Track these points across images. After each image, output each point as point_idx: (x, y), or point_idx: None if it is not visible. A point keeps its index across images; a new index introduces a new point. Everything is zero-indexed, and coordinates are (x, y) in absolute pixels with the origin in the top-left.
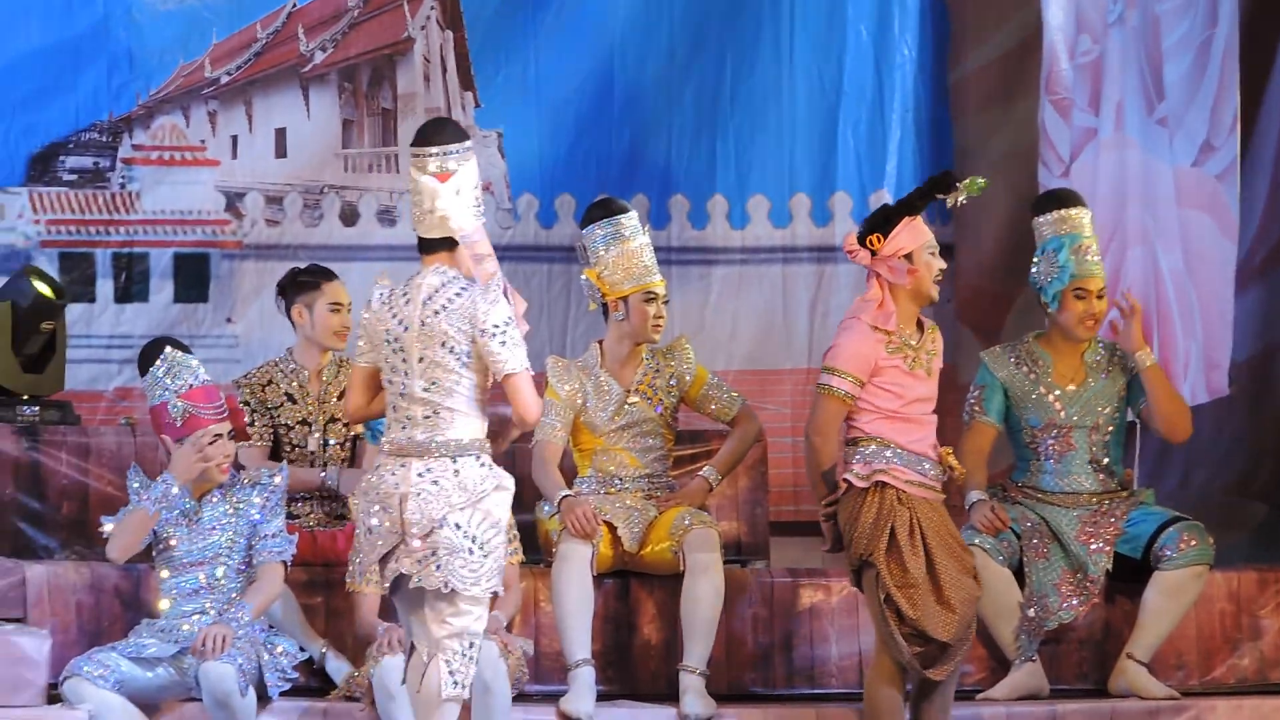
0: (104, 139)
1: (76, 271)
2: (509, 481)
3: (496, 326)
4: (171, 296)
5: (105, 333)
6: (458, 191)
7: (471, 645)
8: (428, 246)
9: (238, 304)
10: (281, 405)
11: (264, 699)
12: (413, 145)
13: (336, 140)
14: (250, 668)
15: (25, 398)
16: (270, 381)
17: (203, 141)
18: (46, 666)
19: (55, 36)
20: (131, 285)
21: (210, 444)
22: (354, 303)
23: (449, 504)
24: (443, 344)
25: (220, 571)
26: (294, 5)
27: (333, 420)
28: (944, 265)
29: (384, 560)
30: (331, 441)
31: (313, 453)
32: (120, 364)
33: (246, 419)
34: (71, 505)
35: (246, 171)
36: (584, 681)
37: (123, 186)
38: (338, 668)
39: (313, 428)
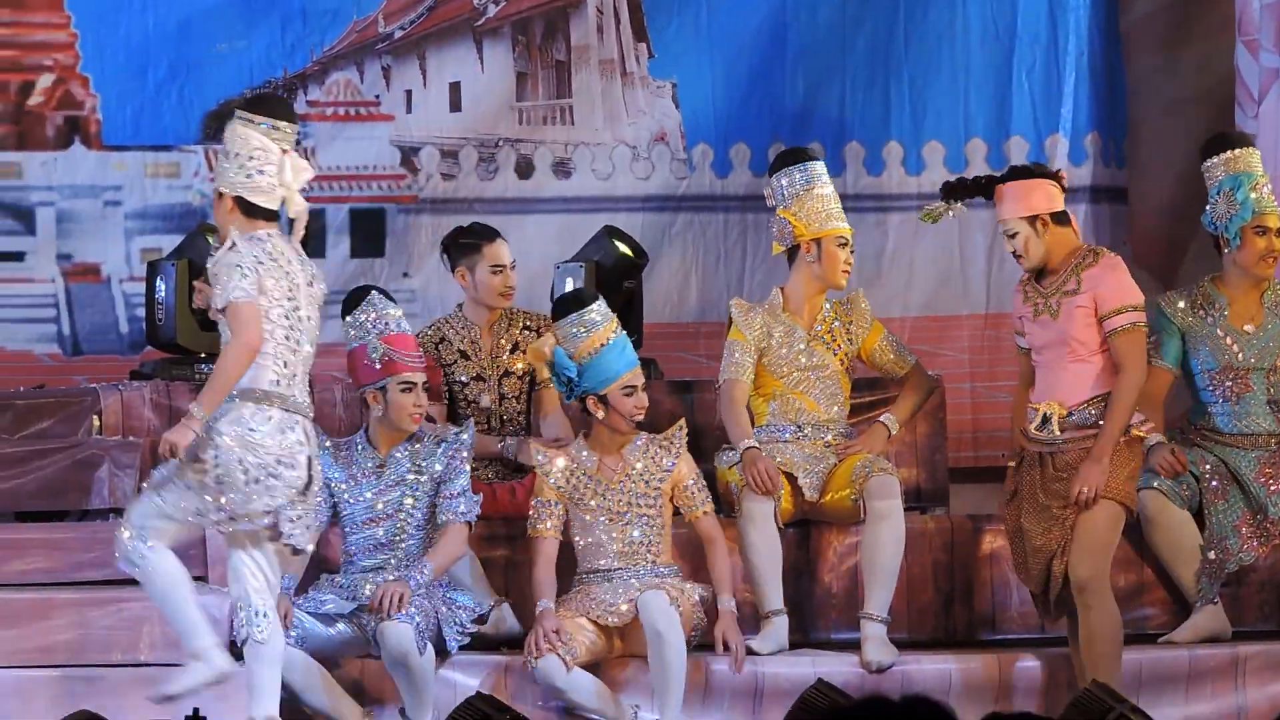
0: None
1: None
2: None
3: None
4: (348, 252)
5: None
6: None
7: None
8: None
9: (414, 259)
10: (455, 362)
11: (443, 654)
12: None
13: (511, 93)
14: (428, 625)
15: (203, 355)
16: (443, 339)
17: (377, 97)
18: (228, 624)
19: None
20: (308, 241)
21: (404, 391)
22: (529, 255)
23: None
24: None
25: (401, 528)
26: None
27: (506, 374)
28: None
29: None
30: (507, 395)
31: (487, 409)
32: None
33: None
34: None
35: (421, 126)
36: (778, 631)
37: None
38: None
39: (487, 383)
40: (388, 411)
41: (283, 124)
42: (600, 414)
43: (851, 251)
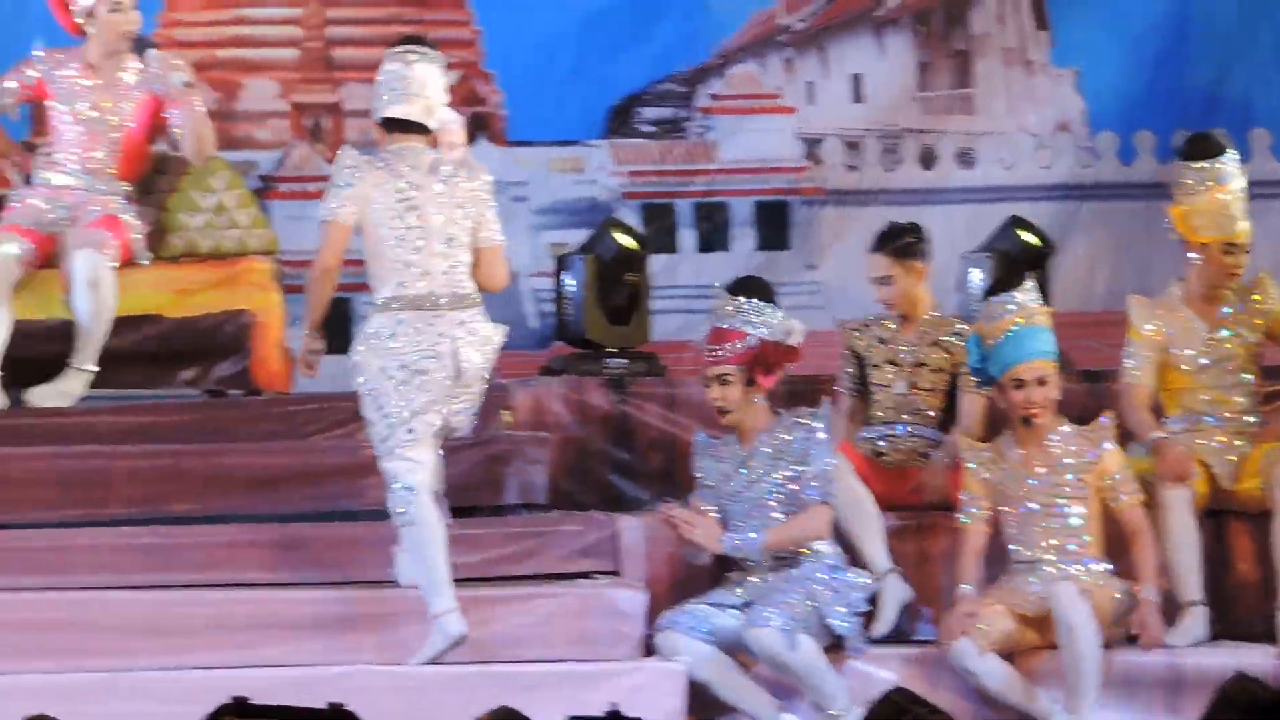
0: (681, 89)
1: (658, 222)
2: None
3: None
4: (754, 245)
5: (688, 282)
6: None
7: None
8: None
9: (819, 250)
10: (870, 346)
11: (838, 641)
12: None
13: (913, 83)
14: (802, 614)
15: (612, 350)
16: (867, 325)
17: (779, 89)
18: (642, 620)
19: None
20: (713, 234)
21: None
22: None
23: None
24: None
25: (773, 518)
26: None
27: (920, 365)
28: None
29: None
30: (923, 387)
31: (898, 395)
32: (704, 313)
33: (844, 365)
34: (660, 457)
35: (823, 118)
36: (1196, 621)
37: (701, 136)
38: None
39: (902, 368)
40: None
41: (417, 47)
42: (1003, 405)
43: (1245, 253)
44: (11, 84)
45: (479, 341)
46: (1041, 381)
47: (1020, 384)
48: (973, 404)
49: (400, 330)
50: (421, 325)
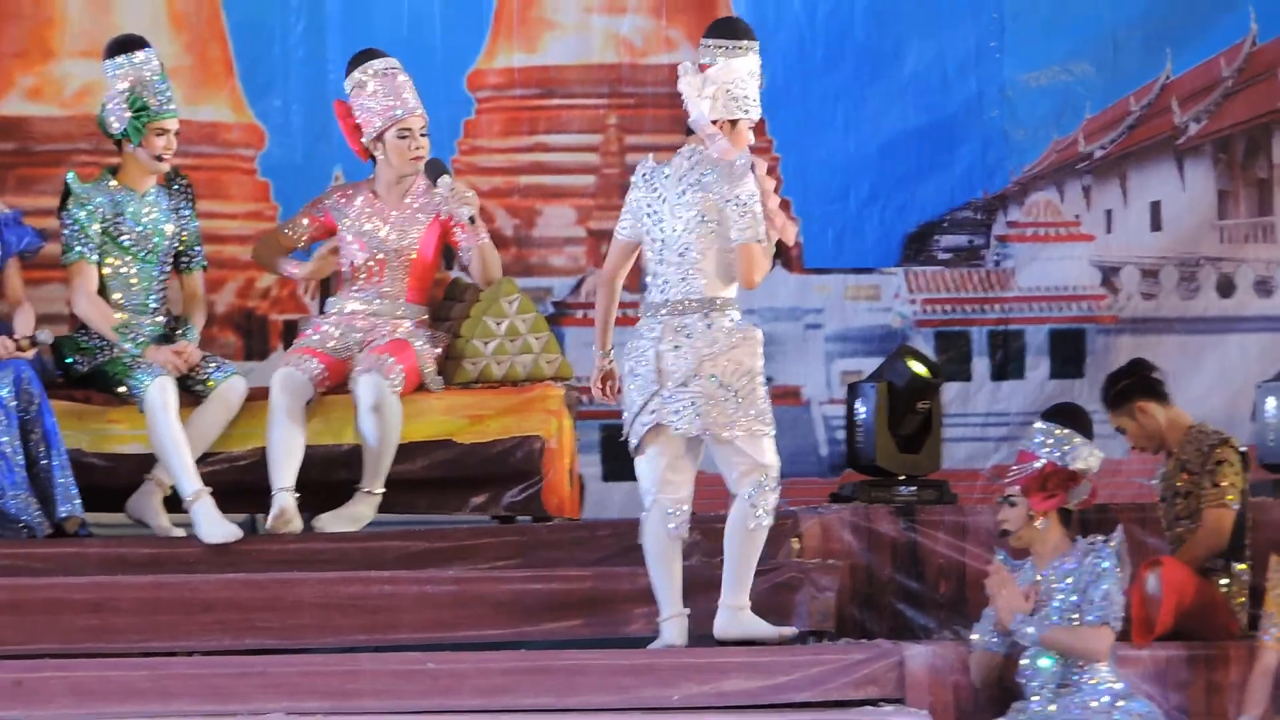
0: (978, 217)
1: (952, 350)
2: (757, 332)
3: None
4: (1048, 373)
5: (981, 410)
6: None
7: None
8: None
9: None
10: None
11: None
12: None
13: (1212, 211)
14: None
15: (902, 478)
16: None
17: (1077, 216)
18: None
19: (931, 116)
20: (1008, 362)
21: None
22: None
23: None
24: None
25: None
26: (1168, 77)
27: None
28: None
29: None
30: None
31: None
32: (997, 441)
33: None
34: (949, 584)
35: (1121, 245)
36: None
37: (997, 264)
38: None
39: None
40: None
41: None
42: None
43: None
44: (304, 220)
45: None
46: None
47: None
48: (1219, 519)
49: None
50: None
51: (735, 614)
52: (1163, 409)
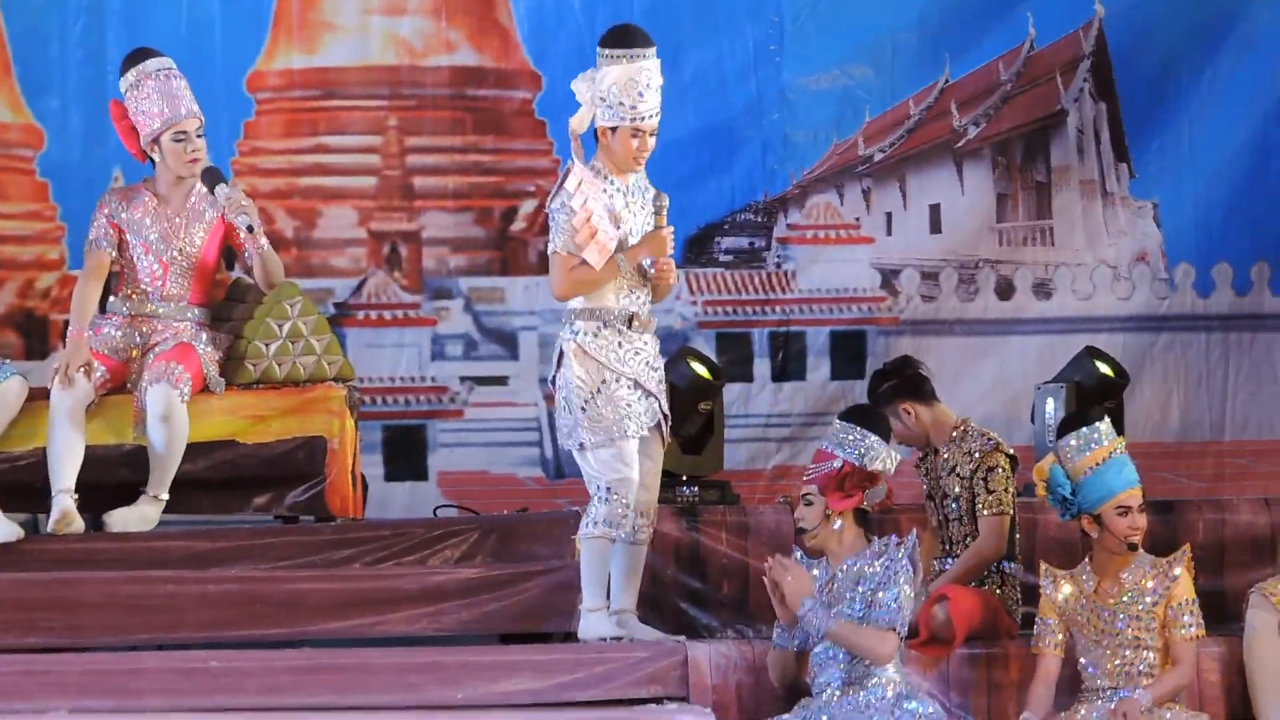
0: (759, 219)
1: (733, 351)
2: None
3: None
4: (829, 374)
5: (763, 411)
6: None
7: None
8: None
9: None
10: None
11: None
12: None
13: (990, 214)
14: None
15: (684, 478)
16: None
17: (857, 219)
18: None
19: (711, 119)
20: (789, 364)
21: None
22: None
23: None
24: None
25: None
26: (946, 81)
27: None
28: None
29: None
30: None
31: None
32: (778, 442)
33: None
34: (732, 584)
35: (901, 247)
36: None
37: (778, 266)
38: None
39: (933, 501)
40: None
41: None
42: (1095, 533)
43: (1140, 511)
44: (105, 236)
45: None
46: (1141, 508)
47: (1125, 510)
48: (997, 527)
49: None
50: None
51: (585, 615)
52: (927, 409)
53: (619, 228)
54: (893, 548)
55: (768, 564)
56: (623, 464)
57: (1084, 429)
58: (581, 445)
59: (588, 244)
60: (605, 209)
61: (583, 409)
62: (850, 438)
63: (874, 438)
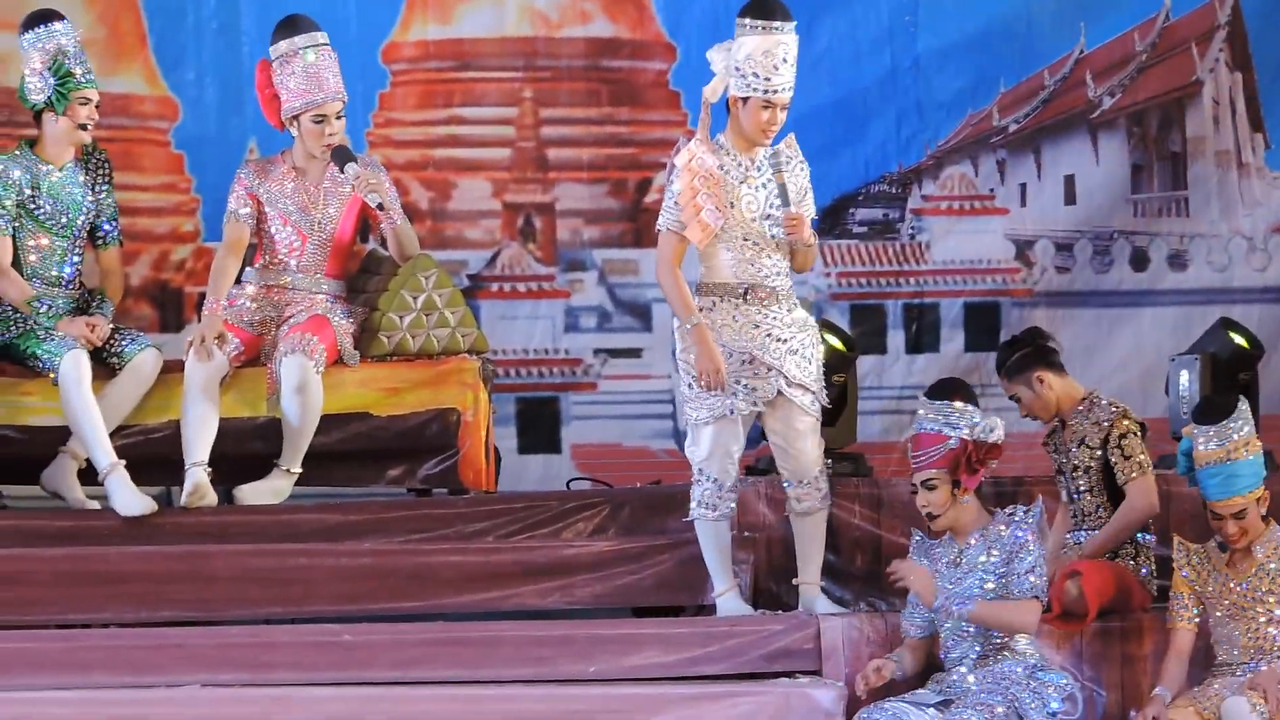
0: (893, 190)
1: (867, 324)
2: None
3: None
4: (963, 346)
5: (896, 384)
6: None
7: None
8: None
9: None
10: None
11: None
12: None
13: (1125, 185)
14: (1000, 717)
15: None
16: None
17: (991, 190)
18: (842, 718)
19: (844, 90)
20: (922, 336)
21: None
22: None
23: None
24: None
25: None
26: (1081, 52)
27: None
28: None
29: None
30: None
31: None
32: (912, 414)
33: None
34: (864, 557)
35: (1036, 218)
36: None
37: (912, 237)
38: None
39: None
40: None
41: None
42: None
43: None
44: (243, 210)
45: None
46: (1239, 515)
47: (1219, 516)
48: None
49: None
50: None
51: (717, 602)
52: (1059, 378)
53: (732, 206)
54: (1021, 515)
55: (890, 574)
56: (717, 443)
57: (1210, 426)
58: (691, 421)
59: (692, 221)
60: (714, 187)
61: (689, 385)
62: (956, 416)
63: (974, 409)
